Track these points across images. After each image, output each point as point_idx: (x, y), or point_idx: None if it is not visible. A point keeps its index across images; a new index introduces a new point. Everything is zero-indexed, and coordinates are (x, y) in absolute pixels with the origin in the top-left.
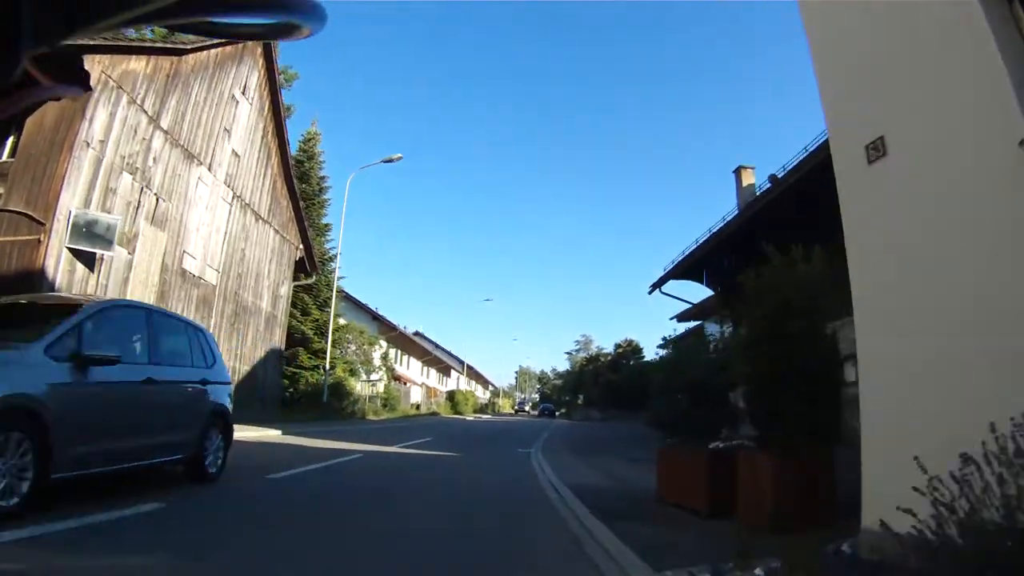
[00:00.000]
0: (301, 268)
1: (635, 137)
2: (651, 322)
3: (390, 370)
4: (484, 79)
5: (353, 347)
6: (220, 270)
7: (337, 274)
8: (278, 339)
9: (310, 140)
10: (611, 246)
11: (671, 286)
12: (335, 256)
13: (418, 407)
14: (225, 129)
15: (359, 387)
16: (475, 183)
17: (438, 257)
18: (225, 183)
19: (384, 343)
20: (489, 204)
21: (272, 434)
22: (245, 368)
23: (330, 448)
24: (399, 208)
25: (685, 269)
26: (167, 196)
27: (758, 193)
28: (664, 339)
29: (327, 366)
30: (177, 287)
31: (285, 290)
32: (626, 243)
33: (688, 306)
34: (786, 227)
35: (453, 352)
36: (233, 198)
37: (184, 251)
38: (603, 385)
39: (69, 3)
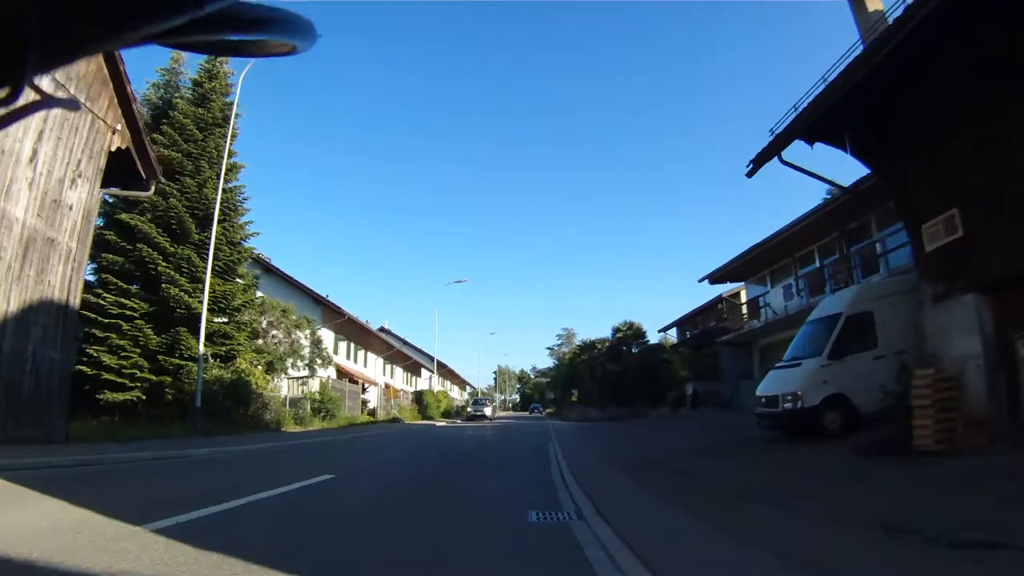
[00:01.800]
0: (126, 169)
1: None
2: (643, 309)
3: (326, 362)
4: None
5: (278, 334)
6: None
7: (246, 229)
8: (61, 286)
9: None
10: (588, 238)
11: (796, 152)
12: (244, 201)
13: (373, 412)
14: None
15: (285, 387)
16: (440, 170)
17: (403, 250)
18: None
19: (323, 329)
20: (452, 199)
21: None
22: None
23: None
24: (363, 198)
25: (811, 122)
26: None
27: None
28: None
29: (201, 353)
30: None
31: (79, 196)
32: (603, 235)
33: (826, 186)
34: None
35: (422, 348)
36: None
37: None
38: (602, 378)
39: (76, 26)
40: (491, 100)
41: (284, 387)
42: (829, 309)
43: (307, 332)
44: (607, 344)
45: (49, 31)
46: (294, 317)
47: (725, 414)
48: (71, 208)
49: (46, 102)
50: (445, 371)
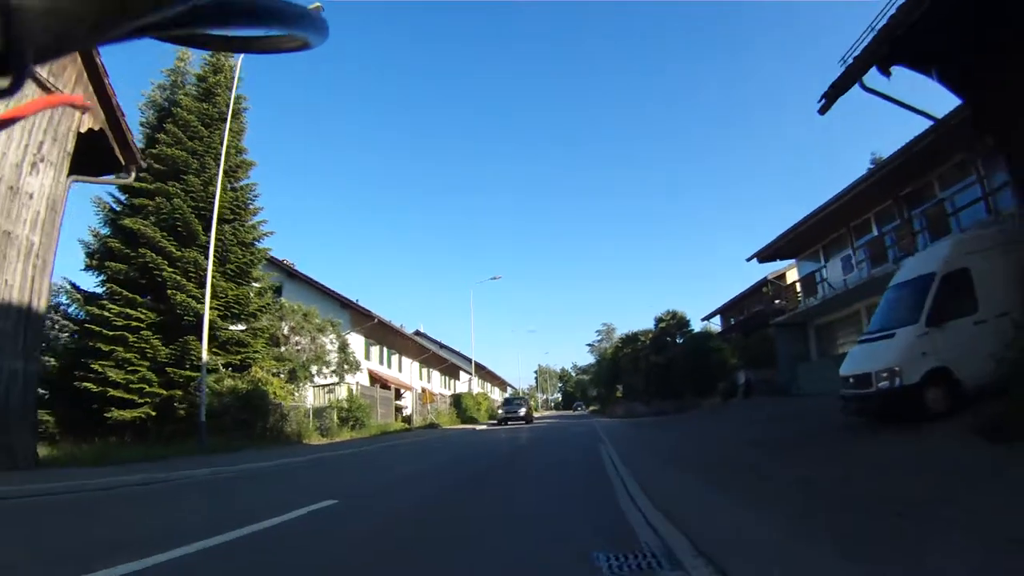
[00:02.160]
0: (102, 154)
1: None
2: (685, 299)
3: (353, 367)
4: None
5: (301, 340)
6: None
7: (261, 229)
8: (22, 285)
9: None
10: (621, 231)
11: (881, 80)
12: (255, 198)
13: (408, 419)
14: None
15: (311, 396)
16: (463, 169)
17: (439, 251)
18: None
19: (352, 334)
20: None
21: None
22: None
23: None
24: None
25: (893, 40)
26: None
27: None
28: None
29: (204, 361)
30: None
31: (40, 184)
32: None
33: (921, 117)
34: None
35: (460, 351)
36: None
37: None
38: (646, 371)
39: (78, 13)
40: (527, 95)
41: (309, 396)
42: (919, 269)
43: (332, 336)
44: (651, 335)
45: (50, 18)
46: (317, 321)
47: (784, 402)
48: (31, 197)
49: (57, 100)
50: (484, 372)
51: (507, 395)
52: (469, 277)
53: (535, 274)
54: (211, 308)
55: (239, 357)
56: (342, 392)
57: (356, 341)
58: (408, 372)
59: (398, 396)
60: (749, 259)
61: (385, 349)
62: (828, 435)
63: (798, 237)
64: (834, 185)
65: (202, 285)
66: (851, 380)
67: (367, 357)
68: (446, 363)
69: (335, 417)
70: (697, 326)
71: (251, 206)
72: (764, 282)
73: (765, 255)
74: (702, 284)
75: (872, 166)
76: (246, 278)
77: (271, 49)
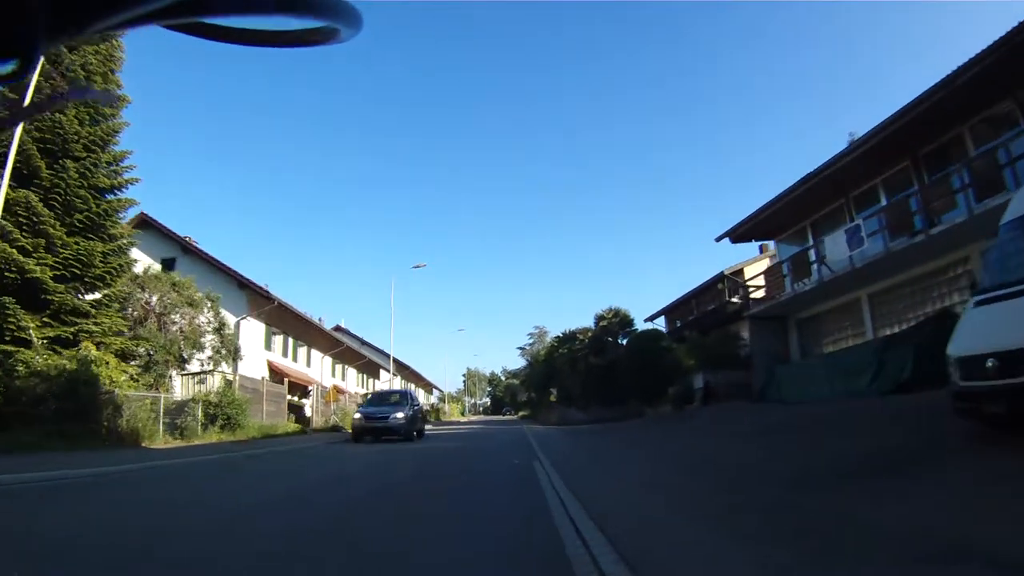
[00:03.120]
0: None
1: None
2: (625, 303)
3: (231, 353)
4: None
5: (178, 319)
6: None
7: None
8: None
9: None
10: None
11: None
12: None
13: (305, 420)
14: None
15: (179, 386)
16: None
17: (364, 246)
18: None
19: (248, 319)
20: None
21: None
22: None
23: None
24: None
25: None
26: None
27: None
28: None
29: None
30: None
31: None
32: (574, 225)
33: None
34: None
35: (383, 349)
36: None
37: None
38: (585, 373)
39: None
40: (473, 85)
41: (178, 387)
42: None
43: (210, 314)
44: (590, 334)
45: (58, 4)
46: (188, 293)
47: (765, 411)
48: None
49: (79, 92)
50: (407, 372)
51: (380, 389)
52: (395, 271)
53: (466, 272)
54: (41, 264)
55: (72, 330)
56: (216, 383)
57: (255, 328)
58: (318, 367)
59: (303, 393)
60: (719, 238)
61: (291, 340)
62: (926, 457)
63: (778, 213)
64: (802, 166)
65: (38, 235)
66: (977, 364)
67: (268, 347)
68: (364, 360)
69: (199, 413)
70: (641, 327)
71: (116, 149)
72: (720, 277)
73: (739, 233)
74: (643, 286)
75: (849, 145)
76: (99, 234)
77: (297, 42)
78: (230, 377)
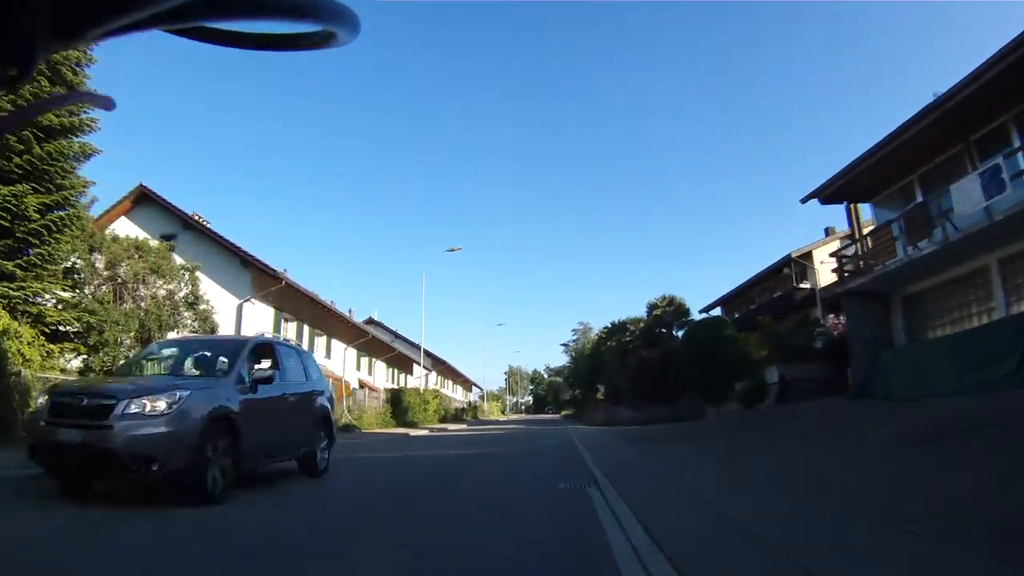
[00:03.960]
0: None
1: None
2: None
3: (204, 321)
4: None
5: (157, 291)
6: None
7: None
8: None
9: None
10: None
11: None
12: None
13: None
14: None
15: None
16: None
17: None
18: None
19: (253, 301)
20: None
21: None
22: None
23: None
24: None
25: None
26: None
27: None
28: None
29: None
30: None
31: None
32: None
33: None
34: None
35: (413, 340)
36: None
37: None
38: (636, 367)
39: (86, 5)
40: (491, 79)
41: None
42: None
43: (187, 282)
44: (641, 324)
45: (58, 9)
46: (154, 260)
47: (876, 411)
48: None
49: (77, 96)
50: (443, 367)
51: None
52: (430, 259)
53: (507, 267)
54: None
55: None
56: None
57: (262, 313)
58: (340, 360)
59: None
60: (805, 199)
61: (307, 328)
62: None
63: (878, 167)
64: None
65: None
66: None
67: (278, 333)
68: (394, 352)
69: None
70: (697, 319)
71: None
72: (786, 262)
73: (828, 193)
74: (692, 283)
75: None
76: (45, 184)
77: (293, 46)
78: None
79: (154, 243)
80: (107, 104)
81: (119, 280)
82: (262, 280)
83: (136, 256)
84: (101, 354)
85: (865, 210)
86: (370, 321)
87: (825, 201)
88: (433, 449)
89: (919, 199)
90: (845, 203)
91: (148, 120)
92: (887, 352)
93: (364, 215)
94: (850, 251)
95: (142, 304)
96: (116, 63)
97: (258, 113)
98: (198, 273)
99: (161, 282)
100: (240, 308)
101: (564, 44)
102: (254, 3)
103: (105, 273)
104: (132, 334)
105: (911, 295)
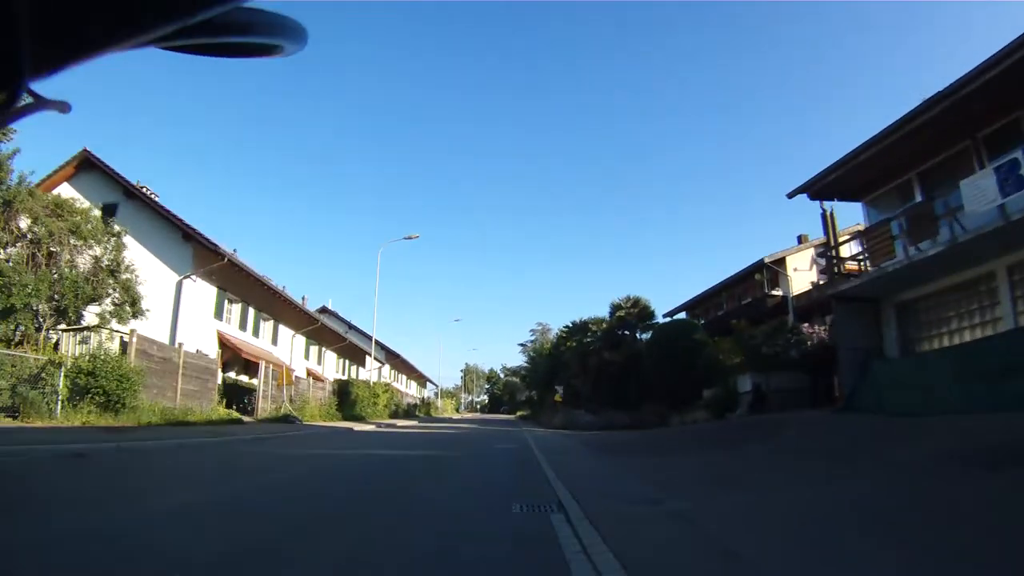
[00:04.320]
0: None
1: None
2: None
3: (132, 302)
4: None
5: (63, 252)
6: None
7: None
8: None
9: None
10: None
11: None
12: None
13: (245, 408)
14: None
15: (66, 347)
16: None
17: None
18: None
19: (194, 279)
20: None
21: None
22: None
23: None
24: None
25: None
26: None
27: None
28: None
29: None
30: None
31: None
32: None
33: None
34: None
35: (367, 332)
36: None
37: None
38: (597, 370)
39: (71, 31)
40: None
41: (64, 347)
42: None
43: (107, 247)
44: (604, 325)
45: (43, 37)
46: (74, 220)
47: (869, 427)
48: None
49: (37, 105)
50: (397, 361)
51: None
52: (386, 246)
53: (465, 262)
54: None
55: None
56: (115, 346)
57: (203, 291)
58: (287, 347)
59: (253, 372)
60: (792, 193)
61: (252, 311)
62: None
63: (875, 161)
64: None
65: None
66: None
67: (219, 316)
68: (344, 343)
69: (60, 384)
70: (661, 323)
71: None
72: (759, 266)
73: (819, 188)
74: (659, 287)
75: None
76: None
77: (248, 54)
78: (127, 338)
79: (82, 206)
80: (62, 108)
81: (34, 239)
82: (204, 256)
83: (55, 216)
84: (9, 322)
85: (855, 211)
86: (323, 310)
87: (814, 196)
88: (373, 448)
89: (918, 198)
90: (836, 199)
91: (148, 120)
92: (880, 363)
93: (318, 208)
94: (848, 250)
95: (65, 270)
96: None
97: (258, 113)
98: (134, 243)
99: (86, 248)
100: (180, 284)
101: (564, 44)
102: (214, 28)
103: (25, 233)
104: (45, 302)
105: (906, 302)
